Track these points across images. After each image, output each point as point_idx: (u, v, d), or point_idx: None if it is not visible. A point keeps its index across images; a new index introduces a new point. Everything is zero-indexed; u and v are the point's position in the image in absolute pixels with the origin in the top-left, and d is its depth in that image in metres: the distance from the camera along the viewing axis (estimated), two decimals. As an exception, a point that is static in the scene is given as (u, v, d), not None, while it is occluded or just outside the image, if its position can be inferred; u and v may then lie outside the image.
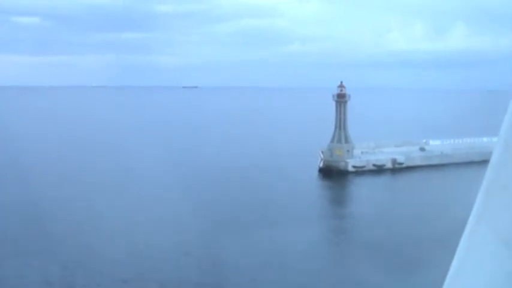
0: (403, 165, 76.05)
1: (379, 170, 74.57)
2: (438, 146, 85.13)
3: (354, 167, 73.26)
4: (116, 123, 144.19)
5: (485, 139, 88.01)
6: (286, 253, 40.36)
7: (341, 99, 75.06)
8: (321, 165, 74.60)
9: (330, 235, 47.34)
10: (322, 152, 74.65)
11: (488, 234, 2.19)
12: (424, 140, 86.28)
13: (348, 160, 73.44)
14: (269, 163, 78.78)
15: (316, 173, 74.13)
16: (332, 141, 75.17)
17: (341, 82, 75.80)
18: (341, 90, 75.06)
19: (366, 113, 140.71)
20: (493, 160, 2.23)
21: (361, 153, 77.64)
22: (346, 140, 74.85)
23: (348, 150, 74.17)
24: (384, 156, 77.24)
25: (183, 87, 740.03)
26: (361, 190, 65.27)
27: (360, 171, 73.39)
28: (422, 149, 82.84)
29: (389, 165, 75.50)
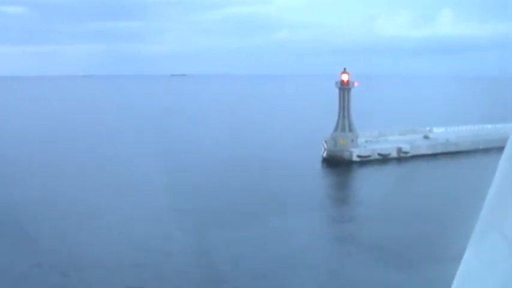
0: (409, 154, 73.68)
1: (384, 160, 72.14)
2: (442, 133, 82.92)
3: (358, 156, 70.76)
4: (107, 113, 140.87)
5: (489, 126, 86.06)
6: (288, 256, 37.56)
7: (344, 86, 72.32)
8: (325, 155, 72.04)
9: (343, 238, 44.51)
10: (325, 142, 72.03)
11: (497, 238, 2.13)
12: (428, 128, 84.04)
13: (353, 149, 70.89)
14: (269, 153, 76.00)
15: (319, 163, 71.62)
16: (335, 130, 72.54)
17: (344, 69, 73.08)
18: (345, 78, 72.26)
19: (361, 100, 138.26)
20: (503, 164, 2.19)
21: (365, 142, 75.20)
22: (350, 129, 72.29)
23: (352, 140, 71.62)
24: (389, 145, 74.81)
25: (171, 75, 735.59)
26: (369, 181, 62.81)
27: (365, 161, 70.94)
28: (426, 137, 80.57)
29: (394, 154, 73.06)
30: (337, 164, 69.74)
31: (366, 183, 62.07)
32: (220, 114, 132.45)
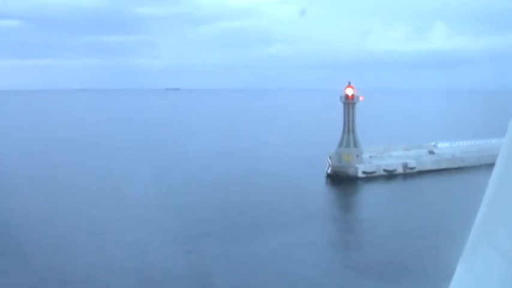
0: (415, 170, 72.29)
1: (389, 175, 70.68)
2: (447, 148, 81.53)
3: (364, 172, 69.21)
4: (103, 127, 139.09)
5: (493, 140, 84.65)
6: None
7: (349, 100, 70.91)
8: (329, 171, 70.44)
9: (351, 263, 42.73)
10: (330, 157, 70.45)
11: (489, 251, 2.08)
12: (433, 143, 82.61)
13: (358, 165, 69.38)
14: (271, 169, 74.15)
15: (323, 179, 69.98)
16: (340, 145, 70.98)
17: (349, 83, 71.75)
18: (349, 92, 70.85)
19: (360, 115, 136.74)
20: (494, 177, 2.17)
21: (370, 157, 73.74)
22: (355, 144, 70.80)
23: (357, 155, 70.12)
24: (394, 160, 73.34)
25: (166, 89, 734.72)
26: (377, 199, 61.04)
27: (370, 177, 69.41)
28: (431, 152, 79.24)
29: (400, 170, 71.62)
30: (342, 180, 68.21)
31: (374, 201, 60.18)
32: (219, 128, 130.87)
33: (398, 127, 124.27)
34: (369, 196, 64.19)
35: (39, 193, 59.62)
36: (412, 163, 72.47)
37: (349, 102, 70.81)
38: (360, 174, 68.94)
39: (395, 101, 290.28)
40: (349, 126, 70.87)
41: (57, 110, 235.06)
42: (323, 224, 50.40)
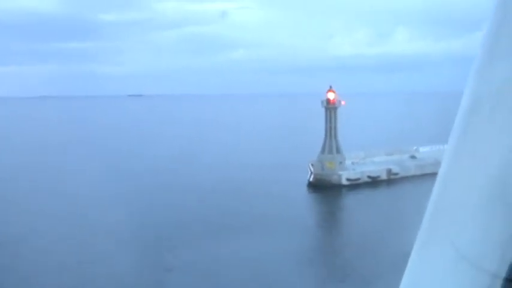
0: (398, 176, 70.02)
1: (374, 182, 68.11)
2: (428, 152, 79.49)
3: (348, 180, 66.47)
4: (63, 134, 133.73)
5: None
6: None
7: (331, 105, 68.13)
8: (311, 179, 67.46)
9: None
10: (312, 165, 67.47)
11: (442, 244, 2.08)
12: (415, 147, 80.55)
13: (341, 172, 66.63)
14: (248, 177, 70.86)
15: (305, 188, 66.83)
16: (322, 152, 68.09)
17: (330, 87, 69.01)
18: (331, 96, 68.09)
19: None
20: (444, 165, 2.12)
21: (352, 163, 71.10)
22: (338, 150, 68.04)
23: (340, 162, 67.35)
24: (377, 166, 70.86)
25: (128, 95, 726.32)
26: (364, 209, 57.88)
27: (354, 184, 66.69)
28: (413, 157, 77.12)
29: (384, 176, 69.23)
30: (326, 188, 65.21)
31: (361, 213, 56.93)
32: (190, 136, 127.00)
33: (374, 131, 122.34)
34: (355, 207, 60.96)
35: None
36: (395, 169, 70.25)
37: (330, 107, 68.01)
38: (344, 182, 66.21)
39: (363, 105, 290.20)
40: (331, 131, 68.11)
41: (21, 118, 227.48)
42: (307, 241, 46.94)
